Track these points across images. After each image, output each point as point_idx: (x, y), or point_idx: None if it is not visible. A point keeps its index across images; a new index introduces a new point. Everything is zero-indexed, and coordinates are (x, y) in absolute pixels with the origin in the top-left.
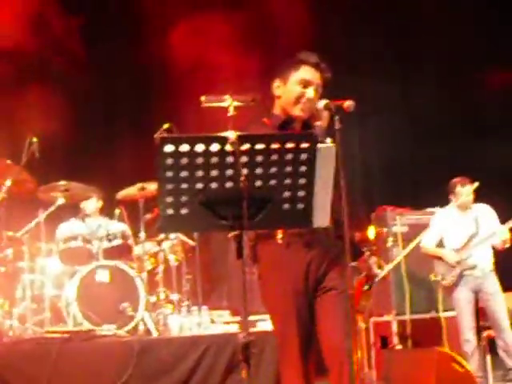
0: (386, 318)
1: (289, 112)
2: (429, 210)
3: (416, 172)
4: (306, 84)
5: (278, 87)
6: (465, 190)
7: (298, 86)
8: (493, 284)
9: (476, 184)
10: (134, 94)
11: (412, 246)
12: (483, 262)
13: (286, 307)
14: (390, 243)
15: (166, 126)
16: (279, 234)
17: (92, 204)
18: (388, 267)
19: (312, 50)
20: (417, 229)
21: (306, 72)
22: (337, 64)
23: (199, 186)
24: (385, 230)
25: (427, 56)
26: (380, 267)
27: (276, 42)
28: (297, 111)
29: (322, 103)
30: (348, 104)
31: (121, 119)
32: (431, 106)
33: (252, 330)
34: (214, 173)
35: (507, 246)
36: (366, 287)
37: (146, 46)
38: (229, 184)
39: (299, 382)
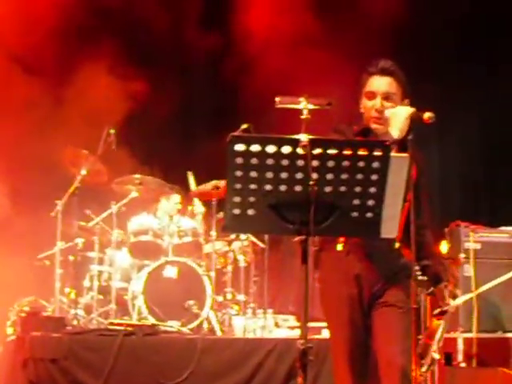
0: (451, 334)
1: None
2: (504, 228)
3: (494, 189)
4: (371, 96)
5: (360, 104)
6: None
7: (366, 100)
8: None
9: None
10: (214, 91)
11: (486, 287)
12: None
13: (341, 313)
14: (461, 259)
15: (244, 126)
16: (341, 242)
17: (171, 204)
18: (461, 299)
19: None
20: (490, 247)
21: (370, 83)
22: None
23: (268, 187)
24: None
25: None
26: (454, 297)
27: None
28: (372, 125)
29: (387, 112)
30: (429, 115)
31: (199, 116)
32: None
33: (316, 337)
34: (284, 175)
35: None
36: (436, 311)
37: (228, 43)
38: (298, 188)
39: None
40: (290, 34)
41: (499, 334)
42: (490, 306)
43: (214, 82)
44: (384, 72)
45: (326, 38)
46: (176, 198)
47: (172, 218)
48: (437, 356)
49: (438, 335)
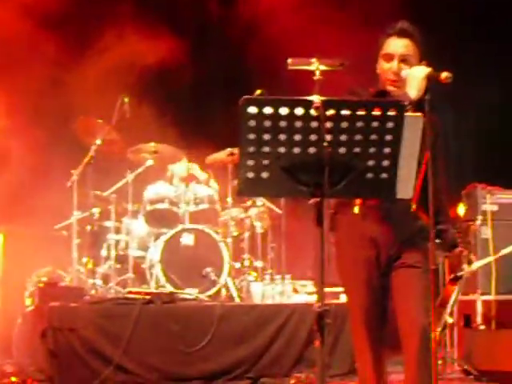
0: (470, 296)
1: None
2: None
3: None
4: (388, 58)
5: (377, 65)
6: None
7: (384, 62)
8: None
9: None
10: (228, 59)
11: (504, 251)
12: None
13: (357, 275)
14: (478, 221)
15: (258, 91)
16: (357, 205)
17: (181, 168)
18: (477, 264)
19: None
20: (508, 208)
21: (388, 45)
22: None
23: (281, 149)
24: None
25: None
26: (470, 263)
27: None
28: (388, 87)
29: (404, 72)
30: (446, 75)
31: (213, 84)
32: None
33: (334, 301)
34: (297, 137)
35: None
36: (451, 276)
37: (238, 11)
38: (312, 149)
39: (367, 350)
40: None
41: None
42: (508, 268)
43: (224, 48)
44: (402, 34)
45: None
46: (182, 162)
47: (188, 185)
48: (450, 320)
49: (451, 300)
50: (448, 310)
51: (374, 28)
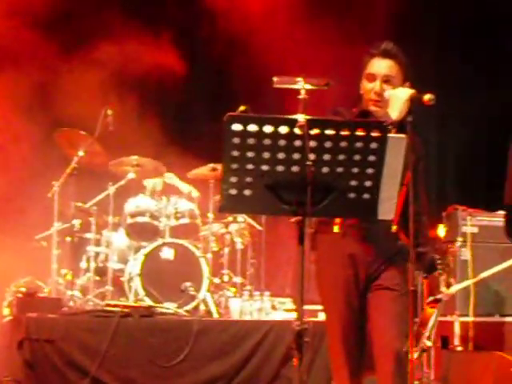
0: (448, 318)
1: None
2: (501, 212)
3: (491, 173)
4: (371, 78)
5: (360, 85)
6: None
7: (367, 82)
8: None
9: None
10: (212, 75)
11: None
12: None
13: (336, 295)
14: (458, 243)
15: (241, 108)
16: (337, 224)
17: (155, 182)
18: (455, 287)
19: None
20: (488, 230)
21: (371, 65)
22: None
23: (265, 167)
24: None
25: None
26: (448, 286)
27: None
28: (371, 107)
29: (387, 93)
30: (429, 97)
31: (197, 99)
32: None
33: (312, 319)
34: (281, 155)
35: None
36: (430, 299)
37: (225, 28)
38: (295, 168)
39: (344, 368)
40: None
41: (496, 318)
42: (486, 290)
43: (209, 63)
44: (385, 54)
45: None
46: (159, 179)
47: (169, 199)
48: (429, 343)
49: (430, 323)
50: (427, 333)
51: (358, 47)
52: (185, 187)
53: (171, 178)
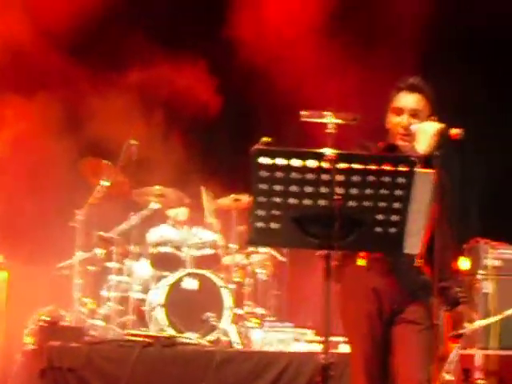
0: (469, 350)
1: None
2: None
3: None
4: (398, 112)
5: (386, 119)
6: None
7: (394, 116)
8: None
9: None
10: (236, 106)
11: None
12: None
13: (360, 328)
14: (480, 276)
15: (264, 139)
16: (361, 257)
17: (178, 212)
18: (478, 323)
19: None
20: (510, 264)
21: (398, 99)
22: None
23: (292, 201)
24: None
25: None
26: (471, 321)
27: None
28: (398, 141)
29: (414, 127)
30: (456, 131)
31: (221, 130)
32: None
33: (333, 351)
34: (308, 189)
35: None
36: (452, 333)
37: (247, 58)
38: (322, 202)
39: None
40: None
41: None
42: (508, 323)
43: (233, 93)
44: (412, 88)
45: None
46: (182, 209)
47: (191, 229)
48: (450, 377)
49: (451, 357)
50: (447, 366)
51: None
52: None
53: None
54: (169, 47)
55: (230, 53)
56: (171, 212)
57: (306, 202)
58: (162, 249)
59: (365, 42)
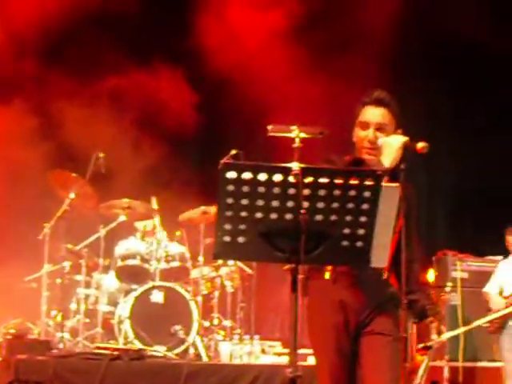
0: (438, 362)
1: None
2: (490, 257)
3: (481, 218)
4: (364, 126)
5: (353, 133)
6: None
7: (360, 130)
8: None
9: None
10: (202, 118)
11: (476, 323)
12: None
13: (327, 341)
14: (448, 288)
15: (233, 152)
16: (328, 270)
17: (144, 223)
18: (447, 335)
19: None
20: (477, 276)
21: (364, 113)
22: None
23: (259, 215)
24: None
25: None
26: (439, 333)
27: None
28: (364, 155)
29: (380, 140)
30: (422, 145)
31: (189, 143)
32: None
33: (301, 363)
34: (275, 203)
35: None
36: (420, 346)
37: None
38: (289, 216)
39: None
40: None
41: (484, 363)
42: (475, 335)
43: (201, 106)
44: (378, 103)
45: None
46: (150, 222)
47: (159, 242)
48: None
49: (421, 370)
50: (417, 380)
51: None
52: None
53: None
54: (138, 58)
55: (197, 63)
56: (139, 224)
57: (273, 216)
58: (130, 262)
59: (332, 49)
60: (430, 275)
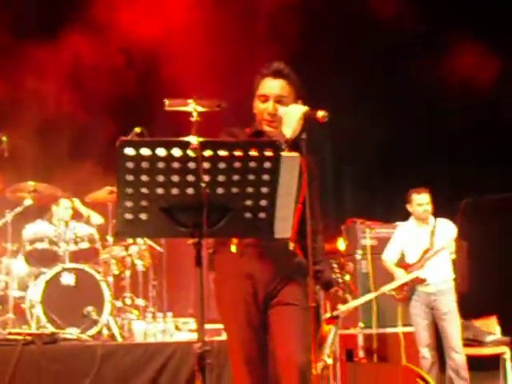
0: (352, 330)
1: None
2: (398, 223)
3: (389, 184)
4: (264, 98)
5: (253, 105)
6: (419, 198)
7: (259, 103)
8: (446, 302)
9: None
10: (114, 94)
11: (384, 289)
12: (436, 277)
13: (237, 315)
14: (358, 256)
15: (137, 129)
16: (234, 243)
17: (64, 210)
18: (352, 303)
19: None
20: (387, 243)
21: (263, 86)
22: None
23: (159, 191)
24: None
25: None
26: (345, 302)
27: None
28: (265, 127)
29: (280, 111)
30: (322, 114)
31: (93, 123)
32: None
33: (217, 338)
34: (175, 178)
35: (453, 257)
36: (326, 316)
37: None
38: (190, 190)
39: None
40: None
41: (397, 329)
42: (388, 302)
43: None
44: (277, 74)
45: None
46: (66, 203)
47: (68, 224)
48: (329, 361)
49: (329, 340)
50: (326, 350)
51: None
52: (85, 211)
53: (77, 204)
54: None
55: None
56: (57, 208)
57: (174, 191)
58: (39, 245)
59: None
60: (340, 244)
